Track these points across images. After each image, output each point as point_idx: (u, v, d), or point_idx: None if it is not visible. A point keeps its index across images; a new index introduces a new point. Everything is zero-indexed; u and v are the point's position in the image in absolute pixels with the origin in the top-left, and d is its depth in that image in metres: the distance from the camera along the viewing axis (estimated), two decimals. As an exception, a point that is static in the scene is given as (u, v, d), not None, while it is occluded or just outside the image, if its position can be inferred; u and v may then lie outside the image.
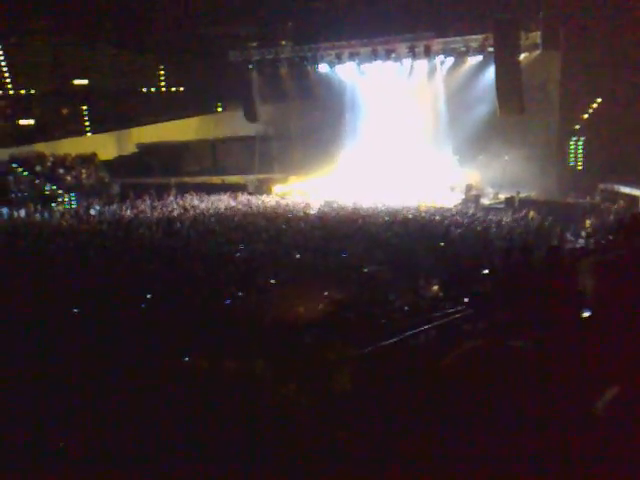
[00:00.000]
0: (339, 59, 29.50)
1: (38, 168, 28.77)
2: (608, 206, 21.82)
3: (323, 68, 30.45)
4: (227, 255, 15.10)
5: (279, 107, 33.68)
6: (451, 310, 7.89)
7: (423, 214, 21.69)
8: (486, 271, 10.31)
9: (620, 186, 23.00)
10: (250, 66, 31.25)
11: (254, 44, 31.54)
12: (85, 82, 33.75)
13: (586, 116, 26.43)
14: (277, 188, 29.48)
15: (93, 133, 33.69)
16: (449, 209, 23.24)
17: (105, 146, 32.87)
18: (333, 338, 7.11)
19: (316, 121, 30.75)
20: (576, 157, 26.51)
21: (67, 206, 25.95)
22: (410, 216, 21.07)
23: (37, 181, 27.84)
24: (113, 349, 6.85)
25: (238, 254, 15.16)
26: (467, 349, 1.53)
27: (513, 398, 1.41)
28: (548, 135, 26.76)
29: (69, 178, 28.95)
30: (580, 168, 26.35)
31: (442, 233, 17.37)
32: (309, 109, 31.52)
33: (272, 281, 12.33)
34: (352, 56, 29.04)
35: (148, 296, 10.86)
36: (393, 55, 28.27)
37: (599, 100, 25.87)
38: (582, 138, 26.34)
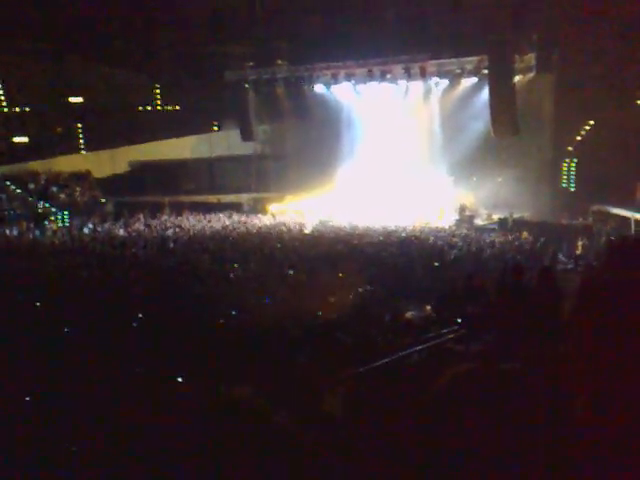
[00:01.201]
0: (335, 79, 29.71)
1: (31, 186, 28.74)
2: (600, 227, 21.94)
3: (319, 88, 30.67)
4: (221, 274, 15.07)
5: (275, 126, 33.86)
6: (444, 331, 7.87)
7: (418, 234, 21.74)
8: (479, 292, 10.31)
9: (612, 207, 23.14)
10: (246, 85, 31.44)
11: (250, 64, 31.73)
12: (80, 100, 33.83)
13: (579, 138, 26.62)
14: (273, 207, 29.52)
15: (87, 151, 33.70)
16: (443, 229, 23.31)
17: (99, 164, 32.87)
18: (327, 358, 7.08)
19: (312, 141, 30.89)
20: (569, 179, 26.68)
21: (60, 224, 25.88)
22: (404, 236, 21.12)
23: (30, 199, 27.80)
24: (105, 369, 6.80)
25: (232, 274, 15.12)
26: (457, 373, 1.51)
27: (506, 421, 1.40)
28: (541, 156, 26.94)
29: (62, 196, 28.93)
30: (573, 189, 26.50)
31: (436, 253, 17.40)
32: (305, 129, 31.67)
33: (266, 300, 12.31)
34: (348, 76, 29.25)
35: (140, 315, 10.81)
36: (388, 76, 28.51)
37: (592, 122, 26.07)
38: (574, 160, 26.52)
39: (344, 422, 5.18)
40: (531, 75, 25.88)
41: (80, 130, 33.63)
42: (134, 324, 10.41)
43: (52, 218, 26.37)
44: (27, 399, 5.72)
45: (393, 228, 23.01)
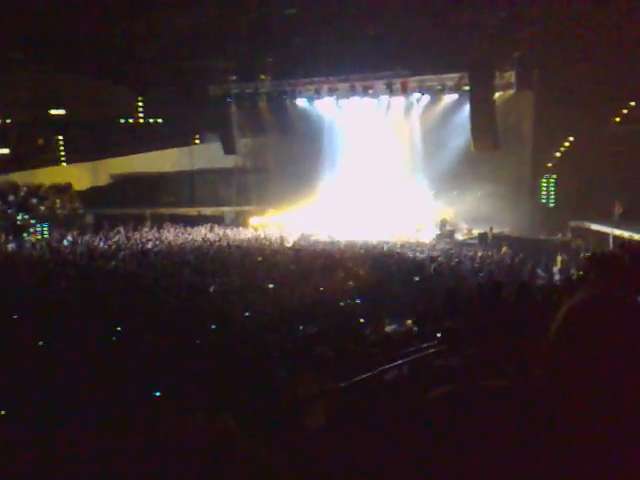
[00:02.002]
0: (318, 94, 29.85)
1: (11, 197, 28.47)
2: (579, 243, 22.18)
3: (302, 103, 30.78)
4: (202, 287, 15.01)
5: (257, 140, 33.90)
6: (425, 345, 7.89)
7: (399, 248, 21.83)
8: (459, 306, 10.35)
9: (590, 223, 23.41)
10: (229, 99, 31.49)
11: (233, 78, 31.80)
12: (62, 112, 33.64)
13: (558, 154, 26.94)
14: (254, 220, 29.52)
15: (68, 163, 33.47)
16: (424, 244, 23.43)
17: (81, 176, 32.70)
18: (308, 372, 7.07)
19: (294, 155, 30.98)
20: (548, 194, 26.96)
21: (40, 236, 25.62)
22: (386, 250, 21.19)
23: (9, 211, 27.52)
24: (82, 382, 6.73)
25: (213, 288, 15.05)
26: (442, 394, 1.52)
27: (492, 438, 1.41)
28: (521, 172, 27.21)
29: (42, 208, 28.69)
30: (552, 205, 26.78)
31: (417, 267, 17.47)
32: (287, 143, 31.76)
33: (246, 314, 12.26)
34: (330, 91, 29.41)
35: (119, 328, 10.71)
36: (370, 91, 28.70)
37: (571, 139, 26.42)
38: (554, 176, 26.82)
39: (326, 437, 5.17)
40: (511, 92, 26.18)
41: (61, 142, 33.41)
42: (113, 337, 10.32)
43: (31, 230, 26.11)
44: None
45: (375, 242, 23.08)
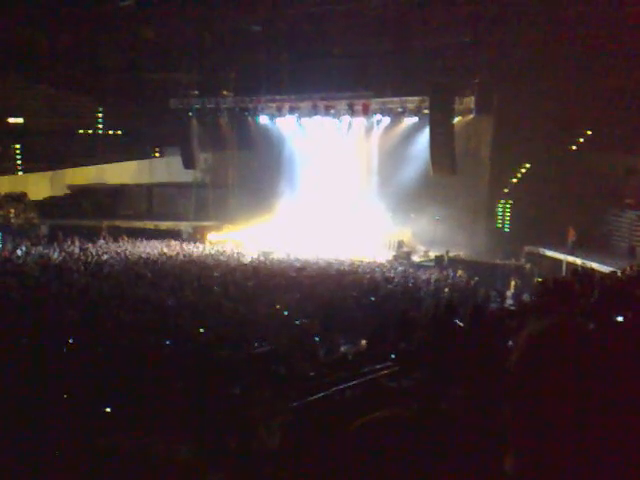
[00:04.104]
0: (279, 112, 29.92)
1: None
2: (532, 268, 22.59)
3: (263, 120, 30.83)
4: (156, 302, 14.83)
5: (218, 156, 33.81)
6: (378, 366, 7.95)
7: (356, 268, 21.93)
8: (413, 328, 10.46)
9: (544, 249, 23.89)
10: (190, 114, 31.38)
11: (195, 92, 31.73)
12: (20, 120, 33.08)
13: (515, 180, 27.46)
14: (212, 236, 29.33)
15: (25, 172, 32.86)
16: (381, 264, 23.58)
17: (37, 186, 32.14)
18: (262, 390, 7.06)
19: (254, 171, 31.00)
20: (504, 219, 27.42)
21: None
22: (343, 270, 21.27)
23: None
24: (26, 395, 6.59)
25: (167, 303, 14.89)
26: (374, 419, 1.55)
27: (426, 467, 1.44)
28: (478, 197, 27.57)
29: (-4, 217, 28.09)
30: (507, 230, 27.23)
31: (373, 288, 17.57)
32: (248, 159, 31.78)
33: (201, 330, 12.16)
34: (292, 110, 29.51)
35: (70, 340, 10.51)
36: (332, 111, 28.88)
37: (527, 165, 26.96)
38: (510, 201, 27.30)
39: (278, 455, 5.18)
40: (470, 117, 26.57)
41: (19, 151, 32.82)
42: (64, 349, 10.12)
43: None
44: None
45: (332, 261, 23.15)
